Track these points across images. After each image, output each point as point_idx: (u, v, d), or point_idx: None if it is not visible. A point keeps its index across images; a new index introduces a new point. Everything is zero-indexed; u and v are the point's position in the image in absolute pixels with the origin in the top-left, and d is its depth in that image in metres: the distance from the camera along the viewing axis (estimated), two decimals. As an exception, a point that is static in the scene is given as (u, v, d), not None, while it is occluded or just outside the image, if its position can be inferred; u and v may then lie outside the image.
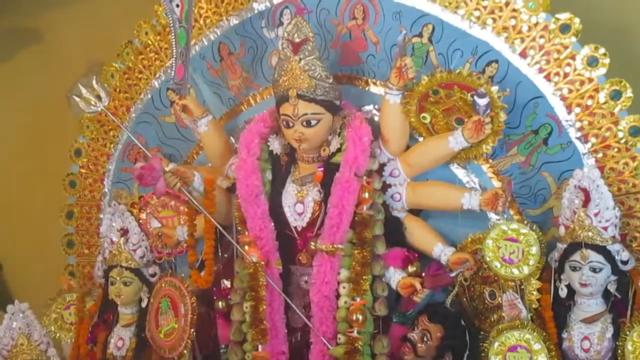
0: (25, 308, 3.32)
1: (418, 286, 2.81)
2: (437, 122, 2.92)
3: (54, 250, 3.71)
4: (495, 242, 2.73)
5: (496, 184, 2.90)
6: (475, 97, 2.74)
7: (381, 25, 3.00)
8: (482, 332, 2.85)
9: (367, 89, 3.10)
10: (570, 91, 2.75)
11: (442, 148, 2.87)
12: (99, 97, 2.97)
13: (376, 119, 3.03)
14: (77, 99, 2.97)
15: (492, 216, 2.87)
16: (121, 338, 3.20)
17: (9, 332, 3.30)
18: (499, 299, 2.84)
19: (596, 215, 2.62)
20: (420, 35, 2.93)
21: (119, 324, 3.22)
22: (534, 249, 2.71)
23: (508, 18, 2.80)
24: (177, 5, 2.99)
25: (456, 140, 2.82)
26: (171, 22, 3.00)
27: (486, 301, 2.91)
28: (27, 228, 4.41)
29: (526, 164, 2.87)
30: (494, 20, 2.83)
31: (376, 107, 3.04)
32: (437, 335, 2.75)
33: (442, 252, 2.87)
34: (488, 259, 2.73)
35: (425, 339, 2.75)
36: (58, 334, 3.42)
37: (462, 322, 2.80)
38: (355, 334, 2.79)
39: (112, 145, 3.56)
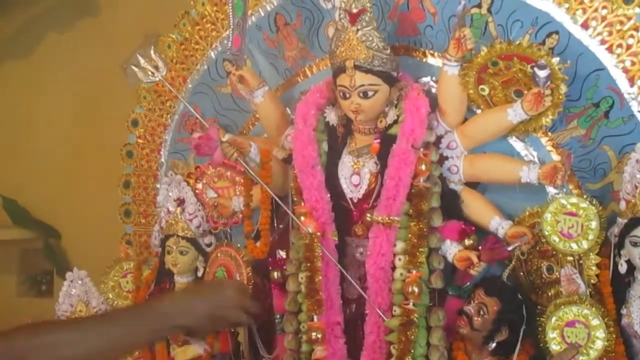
0: (83, 275, 3.39)
1: (475, 259, 2.79)
2: (495, 94, 2.88)
3: (111, 219, 3.76)
4: (554, 216, 2.69)
5: (555, 157, 2.85)
6: (536, 69, 2.69)
7: (439, -5, 2.97)
8: (539, 307, 2.81)
9: (424, 60, 3.06)
10: (633, 63, 2.68)
11: (500, 120, 2.83)
12: (156, 67, 2.99)
13: (433, 90, 2.99)
14: (135, 69, 3.00)
15: (551, 190, 2.82)
16: (177, 307, 3.22)
17: (68, 298, 3.38)
18: (557, 274, 2.80)
19: (658, 189, 2.58)
20: (479, 5, 2.88)
21: (175, 293, 3.25)
22: (594, 224, 2.67)
23: (569, -12, 2.76)
24: (235, -24, 2.99)
25: (515, 113, 2.78)
26: (228, -8, 3.00)
27: (543, 276, 2.87)
28: (85, 197, 4.48)
29: (586, 138, 2.81)
30: (555, -11, 2.77)
31: (434, 78, 3.00)
32: (493, 308, 2.72)
33: (499, 225, 2.84)
34: (546, 233, 2.70)
35: (481, 312, 2.73)
36: (115, 302, 3.47)
37: (519, 296, 2.77)
38: (410, 306, 2.77)
39: (168, 116, 3.59)
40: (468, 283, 2.88)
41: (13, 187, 4.75)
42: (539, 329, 2.73)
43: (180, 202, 3.25)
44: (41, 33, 4.78)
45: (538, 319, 2.74)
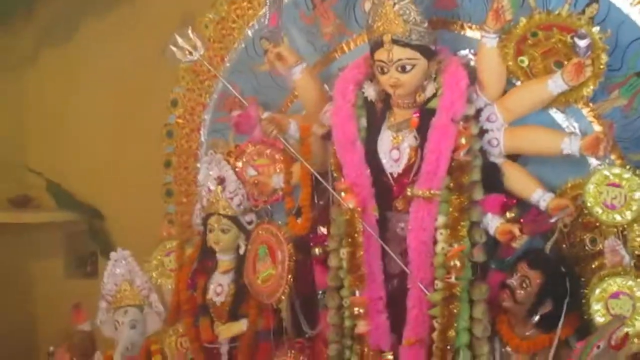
0: (127, 255, 3.44)
1: (517, 232, 2.76)
2: (535, 65, 2.86)
3: (153, 199, 3.79)
4: (597, 187, 2.68)
5: (597, 128, 2.82)
6: (576, 39, 2.66)
7: (476, -33, 2.94)
8: (582, 279, 2.79)
9: (462, 33, 3.04)
10: (675, 31, 2.65)
11: (541, 91, 2.81)
12: (194, 47, 3.01)
13: (472, 63, 2.96)
14: (173, 48, 3.01)
15: (593, 161, 2.81)
16: (220, 284, 3.26)
17: (113, 278, 3.43)
18: (600, 246, 2.79)
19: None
20: (517, -24, 2.86)
21: (218, 271, 3.28)
22: (637, 194, 2.65)
23: (610, -44, 2.72)
24: (271, -46, 2.99)
25: (555, 84, 2.76)
26: (265, -30, 3.01)
27: (587, 248, 2.86)
28: (127, 178, 4.53)
29: (629, 107, 2.78)
30: (595, -41, 2.74)
31: (472, 51, 2.98)
32: (536, 281, 2.72)
33: (541, 197, 2.82)
34: (589, 205, 2.69)
35: (524, 285, 2.72)
36: (159, 280, 3.51)
37: (562, 269, 2.76)
38: (453, 280, 2.77)
39: (207, 95, 3.60)
40: (510, 256, 2.87)
41: (57, 170, 4.81)
42: (583, 301, 2.72)
43: (221, 180, 3.26)
44: (80, 19, 4.82)
45: (582, 291, 2.73)
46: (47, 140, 4.93)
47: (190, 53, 3.02)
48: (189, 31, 3.03)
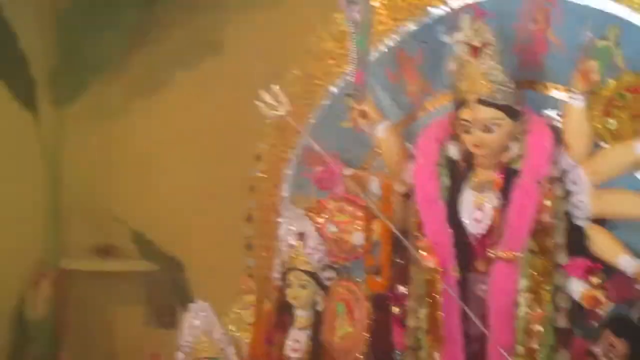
0: (206, 307, 3.44)
1: (602, 298, 2.70)
2: (623, 127, 2.80)
3: (234, 252, 3.81)
4: (687, 254, 2.60)
5: (688, 192, 2.76)
6: (663, 103, 2.62)
7: (564, 27, 2.91)
8: (671, 349, 2.70)
9: (548, 93, 3.01)
10: None
11: (628, 154, 2.75)
12: (280, 103, 3.04)
13: (558, 124, 2.93)
14: (259, 104, 3.06)
15: (684, 227, 2.73)
16: (297, 340, 3.24)
17: (191, 329, 3.43)
18: (691, 314, 2.70)
19: None
20: (605, 37, 2.82)
21: (295, 326, 3.26)
22: None
23: (702, 18, 2.67)
24: (358, 12, 3.02)
25: (644, 147, 2.70)
26: (351, 27, 3.03)
27: (675, 316, 2.77)
28: (209, 230, 4.58)
29: None
30: (686, 21, 2.70)
31: (558, 112, 2.95)
32: (622, 350, 2.64)
33: (628, 263, 2.75)
34: (679, 272, 2.61)
35: (610, 354, 2.64)
36: (237, 334, 3.52)
37: (650, 337, 2.68)
38: (534, 346, 2.71)
39: (291, 151, 3.62)
40: (595, 323, 2.79)
41: (141, 220, 4.90)
42: (671, 372, 2.62)
43: (301, 236, 3.26)
44: (169, 71, 4.94)
45: (670, 361, 2.64)
46: (132, 190, 5.03)
47: (276, 109, 3.05)
48: (275, 87, 3.06)
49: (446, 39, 3.14)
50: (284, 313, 3.31)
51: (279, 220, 3.62)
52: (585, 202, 2.84)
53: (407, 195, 3.06)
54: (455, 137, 2.98)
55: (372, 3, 3.15)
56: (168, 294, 4.92)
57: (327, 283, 3.23)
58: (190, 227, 4.72)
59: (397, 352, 3.06)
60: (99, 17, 4.57)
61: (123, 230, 4.91)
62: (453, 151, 2.97)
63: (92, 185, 5.01)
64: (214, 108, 4.65)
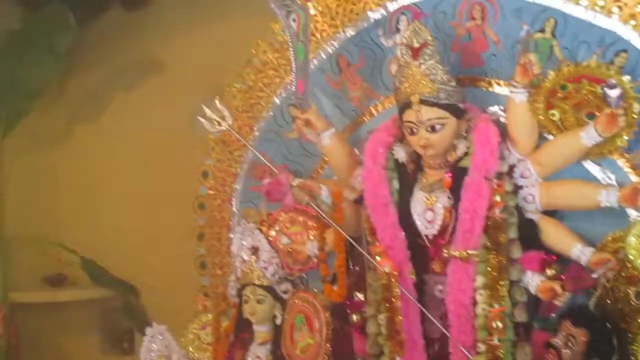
0: (163, 330, 3.39)
1: (559, 289, 2.71)
2: (566, 118, 2.82)
3: (187, 272, 3.77)
4: (638, 239, 2.60)
5: (635, 178, 2.78)
6: (606, 89, 2.63)
7: (501, 23, 2.93)
8: (629, 335, 2.71)
9: (490, 89, 3.02)
10: None
11: (574, 144, 2.77)
12: (223, 117, 3.01)
13: (502, 120, 2.94)
14: (202, 120, 3.02)
15: (632, 212, 2.74)
16: (258, 356, 3.20)
17: (149, 354, 3.38)
18: (646, 299, 2.71)
19: None
20: (542, 30, 2.85)
21: (255, 342, 3.22)
22: (682, 244, 2.58)
23: (635, 5, 2.70)
24: (294, 20, 3.00)
25: (588, 135, 2.71)
26: (289, 38, 3.02)
27: (632, 302, 2.76)
28: (160, 252, 4.50)
29: (666, 156, 2.74)
30: (620, 8, 2.73)
31: (501, 107, 2.95)
32: (582, 339, 2.64)
33: (581, 252, 2.76)
34: (632, 258, 2.61)
35: (569, 344, 2.65)
36: (196, 354, 3.47)
37: (608, 325, 2.68)
38: (495, 342, 2.71)
39: (238, 165, 3.59)
40: (553, 314, 2.80)
41: (90, 246, 4.80)
42: (632, 358, 2.64)
43: (255, 250, 3.23)
44: (110, 93, 4.87)
45: (630, 347, 2.65)
46: (80, 216, 4.93)
47: (219, 123, 3.02)
48: (217, 102, 3.03)
49: (385, 42, 3.16)
50: (242, 330, 3.27)
51: (231, 236, 3.59)
52: (535, 195, 2.85)
53: (358, 202, 3.04)
54: (401, 140, 2.98)
55: (309, 11, 3.14)
56: (123, 320, 4.84)
57: (284, 296, 3.20)
58: (141, 250, 4.64)
59: (359, 359, 3.04)
60: (32, 42, 4.48)
61: (72, 258, 4.82)
62: (400, 154, 2.97)
63: (37, 214, 4.91)
64: (158, 127, 4.58)
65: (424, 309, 2.82)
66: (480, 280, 2.78)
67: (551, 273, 2.77)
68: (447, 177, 2.88)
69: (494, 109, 2.98)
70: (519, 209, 2.84)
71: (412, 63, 2.80)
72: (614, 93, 2.62)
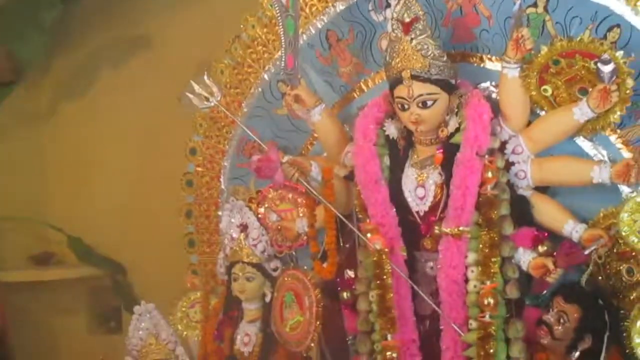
0: (151, 308, 3.37)
1: (551, 266, 2.70)
2: (559, 93, 2.80)
3: (175, 250, 3.75)
4: (631, 215, 2.60)
5: (627, 154, 2.76)
6: (599, 64, 2.61)
7: (493, -3, 2.91)
8: (621, 311, 2.71)
9: (482, 65, 2.99)
10: (701, 51, 2.59)
11: (567, 120, 2.75)
12: (211, 93, 2.98)
13: (494, 95, 2.91)
14: (190, 96, 2.99)
15: (625, 189, 2.73)
16: (247, 334, 3.19)
17: (138, 332, 3.37)
18: (638, 276, 2.70)
19: None
20: (535, 5, 2.82)
21: (244, 320, 3.22)
22: (674, 221, 2.58)
23: (628, -21, 2.68)
24: (283, -5, 2.96)
25: (581, 111, 2.69)
26: (278, 12, 2.97)
27: (624, 278, 2.76)
28: (148, 230, 4.49)
29: (658, 132, 2.72)
30: (613, -18, 2.70)
31: (493, 83, 2.93)
32: (574, 316, 2.64)
33: (573, 229, 2.75)
34: (624, 234, 2.61)
35: (562, 320, 2.64)
36: (185, 333, 3.46)
37: (600, 302, 2.68)
38: (487, 318, 2.70)
39: (226, 142, 3.56)
40: (545, 291, 2.80)
41: (77, 225, 4.78)
42: (624, 334, 2.63)
43: (244, 227, 3.21)
44: (96, 70, 4.83)
45: (622, 323, 2.65)
46: (67, 195, 4.91)
47: (207, 99, 2.99)
48: (205, 77, 2.99)
49: (376, 17, 3.12)
50: (232, 308, 3.26)
51: (220, 213, 3.56)
52: (527, 172, 2.83)
53: (349, 178, 3.02)
54: (392, 116, 2.95)
55: (299, -15, 3.10)
56: (111, 299, 4.82)
57: (274, 274, 3.19)
58: (129, 228, 4.62)
59: (349, 337, 3.03)
60: (16, 17, 4.43)
61: (59, 237, 4.79)
62: (391, 130, 2.95)
63: (23, 192, 4.87)
64: (145, 104, 4.55)
65: (415, 286, 2.81)
66: (472, 257, 2.76)
67: (543, 250, 2.76)
68: (439, 153, 2.86)
69: (486, 84, 2.96)
70: (511, 186, 2.82)
71: (403, 38, 2.76)
72: (607, 68, 2.60)
